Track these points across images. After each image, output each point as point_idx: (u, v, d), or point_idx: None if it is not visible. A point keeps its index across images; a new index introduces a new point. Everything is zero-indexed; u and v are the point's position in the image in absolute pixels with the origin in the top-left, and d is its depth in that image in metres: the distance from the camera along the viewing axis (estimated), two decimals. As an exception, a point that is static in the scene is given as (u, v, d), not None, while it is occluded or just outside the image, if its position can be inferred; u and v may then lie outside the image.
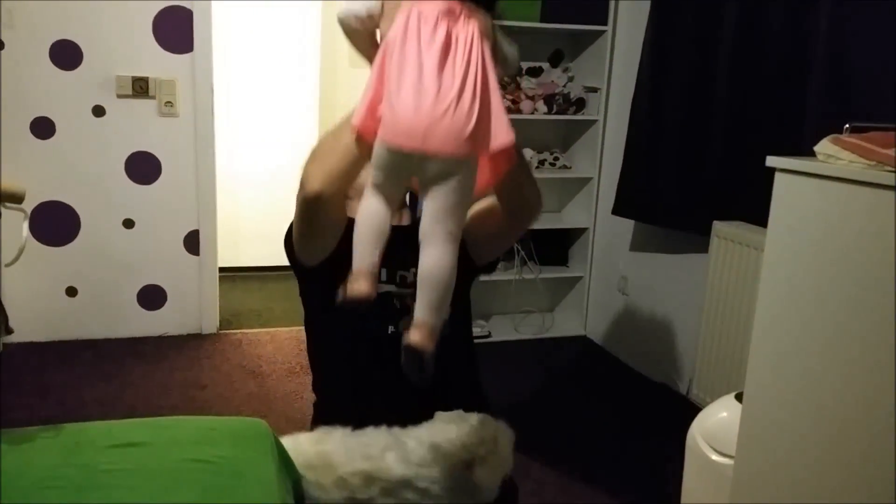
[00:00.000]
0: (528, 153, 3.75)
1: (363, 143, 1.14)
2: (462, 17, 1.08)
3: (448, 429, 1.32)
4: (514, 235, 1.60)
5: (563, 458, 2.61)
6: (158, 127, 3.44)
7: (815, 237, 1.38)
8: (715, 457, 1.80)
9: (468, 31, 1.07)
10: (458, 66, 1.04)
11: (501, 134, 1.07)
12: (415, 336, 1.10)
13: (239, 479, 1.22)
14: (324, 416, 1.57)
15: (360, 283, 1.11)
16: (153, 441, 1.31)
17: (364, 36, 1.22)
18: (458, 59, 1.05)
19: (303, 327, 1.64)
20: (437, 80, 1.03)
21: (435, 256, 1.09)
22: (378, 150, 1.09)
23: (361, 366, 1.44)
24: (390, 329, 1.42)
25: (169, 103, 3.42)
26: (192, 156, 3.51)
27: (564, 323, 4.01)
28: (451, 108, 1.02)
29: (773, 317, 1.49)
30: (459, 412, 1.37)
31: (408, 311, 1.37)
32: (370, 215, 1.13)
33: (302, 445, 1.39)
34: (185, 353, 3.43)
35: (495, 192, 1.36)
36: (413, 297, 1.34)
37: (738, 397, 1.73)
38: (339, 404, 1.54)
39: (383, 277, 1.41)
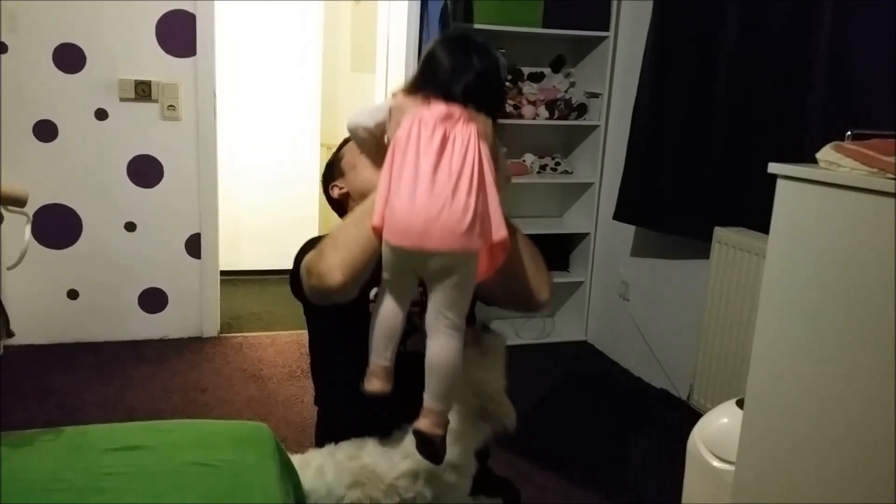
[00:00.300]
0: (529, 158, 3.76)
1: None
2: (461, 120, 1.13)
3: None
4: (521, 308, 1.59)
5: (564, 463, 2.61)
6: (160, 130, 3.45)
7: (817, 244, 1.38)
8: (716, 463, 1.80)
9: (466, 132, 1.12)
10: (454, 164, 1.10)
11: (497, 228, 1.12)
12: (424, 423, 1.17)
13: (240, 482, 1.23)
14: (330, 429, 1.55)
15: (375, 383, 1.20)
16: (154, 444, 1.31)
17: (372, 143, 1.27)
18: (455, 158, 1.10)
19: (304, 331, 1.63)
20: (433, 180, 1.09)
21: (439, 348, 1.17)
22: (384, 249, 1.16)
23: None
24: (399, 349, 1.39)
25: (171, 107, 3.43)
26: (194, 159, 3.51)
27: (565, 328, 4.01)
28: (445, 205, 1.08)
29: (775, 323, 1.49)
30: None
31: (415, 330, 1.37)
32: (384, 316, 1.21)
33: (341, 464, 1.37)
34: (185, 357, 3.43)
35: (495, 281, 1.36)
36: (420, 315, 1.34)
37: (739, 403, 1.73)
38: (345, 420, 1.52)
39: None
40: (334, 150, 1.67)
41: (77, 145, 3.35)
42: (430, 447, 1.19)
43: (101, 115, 3.35)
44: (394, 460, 1.35)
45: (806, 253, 1.40)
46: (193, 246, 3.59)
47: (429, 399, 1.18)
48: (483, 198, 1.11)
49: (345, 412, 1.53)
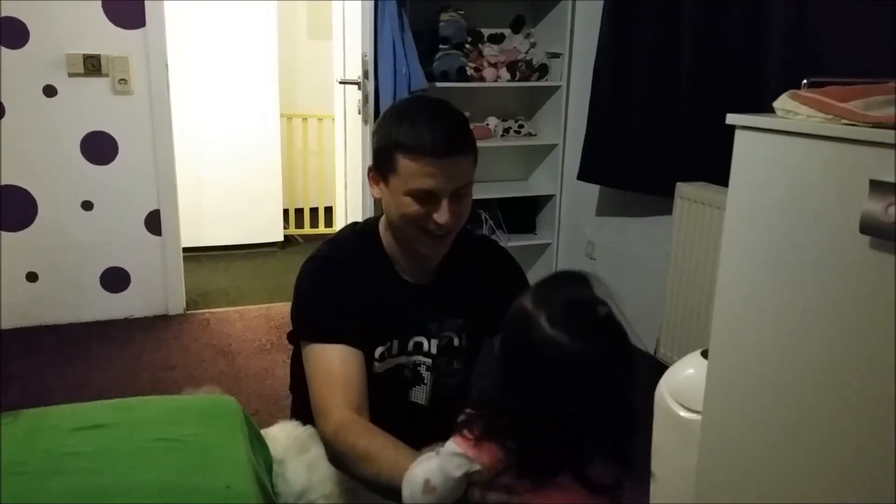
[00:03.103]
0: (492, 122, 3.73)
1: None
2: None
3: None
4: None
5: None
6: (113, 105, 3.35)
7: (775, 193, 1.39)
8: (683, 413, 1.83)
9: None
10: None
11: None
12: None
13: (208, 456, 1.21)
14: None
15: None
16: (118, 422, 1.29)
17: None
18: None
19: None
20: None
21: None
22: None
23: None
24: (401, 402, 1.36)
25: (123, 81, 3.33)
26: (150, 134, 3.42)
27: (534, 290, 4.02)
28: None
29: (735, 273, 1.50)
30: None
31: (420, 381, 1.34)
32: None
33: (313, 436, 1.31)
34: (152, 335, 3.38)
35: None
36: (428, 367, 1.31)
37: (704, 354, 1.75)
38: None
39: (394, 350, 1.32)
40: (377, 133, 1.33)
41: (26, 124, 3.23)
42: None
43: (50, 91, 3.24)
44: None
45: (764, 202, 1.41)
46: (153, 223, 3.52)
47: None
48: None
49: None
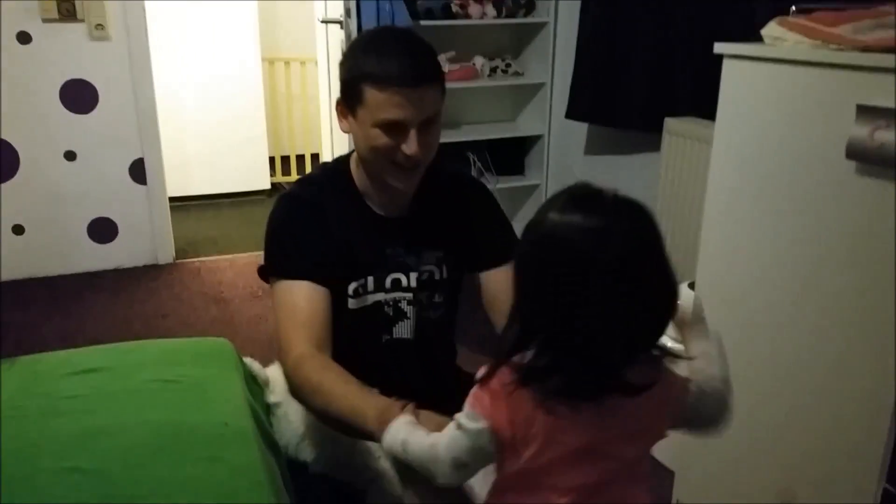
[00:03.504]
0: (478, 61, 3.67)
1: None
2: None
3: None
4: None
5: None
6: (90, 52, 3.27)
7: (762, 122, 1.39)
8: (670, 344, 1.85)
9: None
10: None
11: None
12: None
13: (204, 395, 1.23)
14: None
15: None
16: (114, 365, 1.30)
17: None
18: None
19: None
20: None
21: None
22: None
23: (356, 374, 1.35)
24: (384, 338, 1.35)
25: (99, 26, 3.24)
26: (129, 81, 3.36)
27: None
28: None
29: (722, 204, 1.51)
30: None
31: (403, 317, 1.34)
32: None
33: None
34: (143, 285, 3.38)
35: None
36: (409, 301, 1.31)
37: (691, 286, 1.78)
38: None
39: (370, 287, 1.31)
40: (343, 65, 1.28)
41: (2, 73, 3.16)
42: None
43: (24, 38, 3.16)
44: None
45: (751, 132, 1.41)
46: (138, 171, 3.48)
47: None
48: None
49: None
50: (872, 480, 1.28)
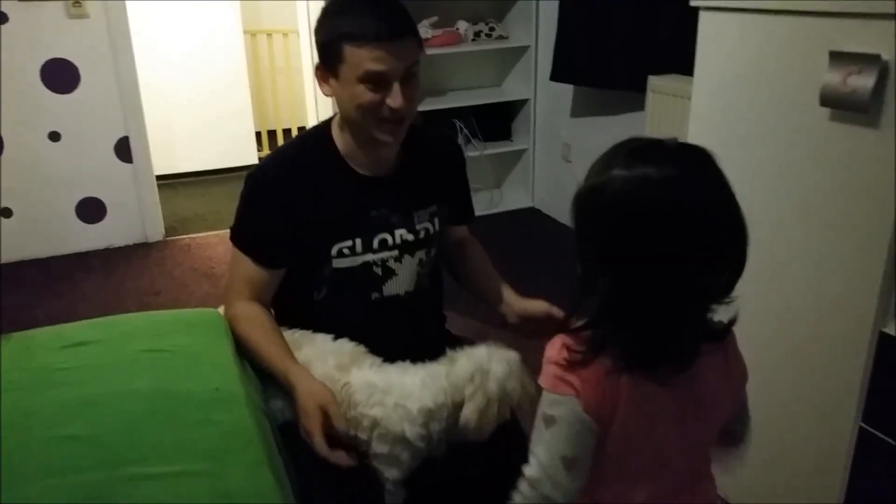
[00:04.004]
0: (462, 26, 3.65)
1: None
2: None
3: (438, 377, 1.19)
4: None
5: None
6: (69, 30, 3.24)
7: (738, 72, 1.39)
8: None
9: None
10: None
11: None
12: None
13: (195, 363, 1.25)
14: None
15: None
16: (104, 338, 1.32)
17: None
18: None
19: None
20: None
21: None
22: None
23: (345, 335, 1.33)
24: (374, 296, 1.37)
25: (77, 3, 3.21)
26: (111, 58, 3.33)
27: (512, 197, 4.05)
28: None
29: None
30: (448, 356, 1.24)
31: (392, 274, 1.36)
32: None
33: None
34: (133, 263, 3.39)
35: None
36: (396, 258, 1.34)
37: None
38: None
39: (358, 249, 1.33)
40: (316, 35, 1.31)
41: (-21, 54, 3.13)
42: None
43: (1, 17, 3.12)
44: (372, 400, 1.20)
45: (728, 82, 1.42)
46: (123, 150, 3.46)
47: None
48: None
49: None
50: (848, 420, 1.31)
